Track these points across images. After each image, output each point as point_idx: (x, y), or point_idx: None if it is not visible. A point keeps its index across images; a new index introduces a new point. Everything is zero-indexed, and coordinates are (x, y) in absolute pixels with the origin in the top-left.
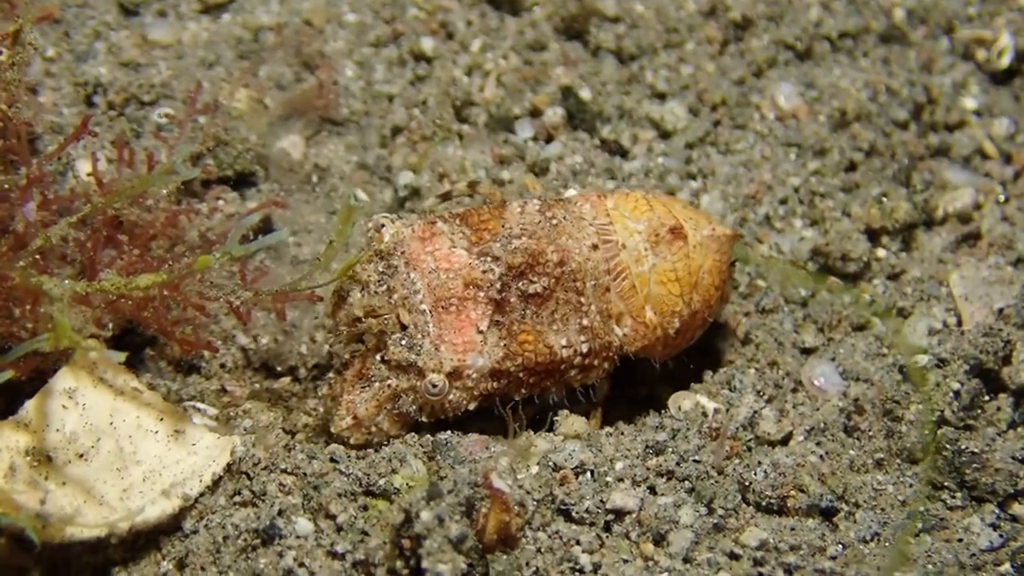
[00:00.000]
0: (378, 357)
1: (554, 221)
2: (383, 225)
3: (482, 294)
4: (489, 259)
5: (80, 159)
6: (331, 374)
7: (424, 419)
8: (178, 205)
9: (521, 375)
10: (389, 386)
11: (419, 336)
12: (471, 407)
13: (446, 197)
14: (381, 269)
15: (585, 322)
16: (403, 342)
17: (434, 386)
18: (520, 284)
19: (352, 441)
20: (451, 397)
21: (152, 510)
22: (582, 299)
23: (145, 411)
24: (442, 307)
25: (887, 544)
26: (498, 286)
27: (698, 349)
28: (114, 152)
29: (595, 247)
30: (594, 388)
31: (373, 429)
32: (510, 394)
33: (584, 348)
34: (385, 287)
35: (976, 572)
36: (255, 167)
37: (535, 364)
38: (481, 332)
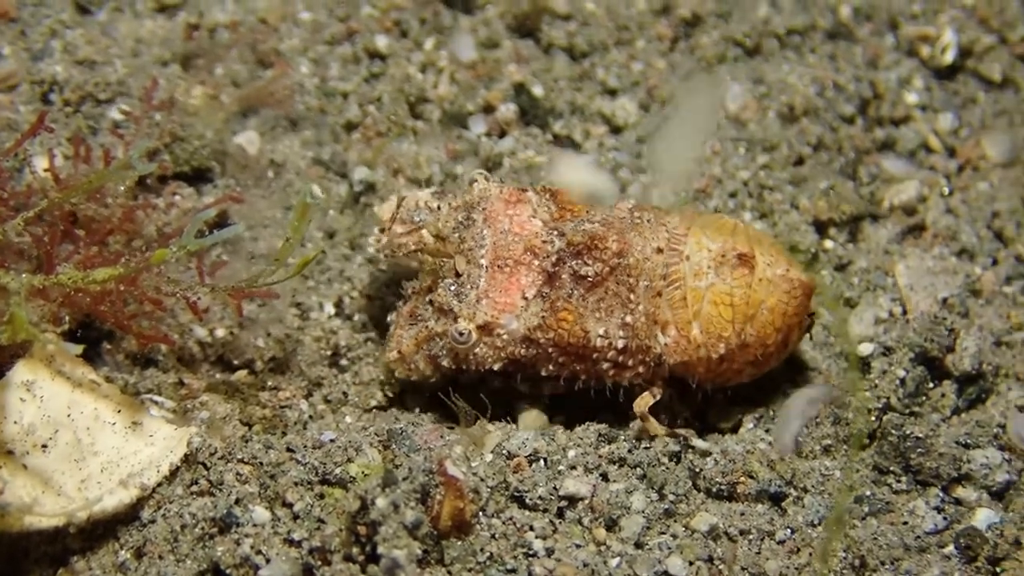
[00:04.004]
0: (428, 298)
1: (637, 220)
2: (475, 180)
3: (537, 262)
4: (556, 233)
5: (37, 155)
6: (400, 303)
7: (448, 364)
8: (135, 200)
9: (550, 350)
10: (427, 327)
11: (468, 287)
12: (496, 367)
13: None
14: (460, 218)
15: (629, 319)
16: (452, 288)
17: (460, 334)
18: (575, 263)
19: (397, 374)
20: (478, 351)
21: (110, 500)
22: (632, 296)
23: (103, 403)
24: (498, 265)
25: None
26: (553, 259)
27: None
28: (71, 148)
29: (660, 250)
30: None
31: (412, 366)
32: (538, 366)
33: (620, 344)
34: (458, 235)
35: (921, 554)
36: (211, 163)
37: (566, 343)
38: (525, 298)
